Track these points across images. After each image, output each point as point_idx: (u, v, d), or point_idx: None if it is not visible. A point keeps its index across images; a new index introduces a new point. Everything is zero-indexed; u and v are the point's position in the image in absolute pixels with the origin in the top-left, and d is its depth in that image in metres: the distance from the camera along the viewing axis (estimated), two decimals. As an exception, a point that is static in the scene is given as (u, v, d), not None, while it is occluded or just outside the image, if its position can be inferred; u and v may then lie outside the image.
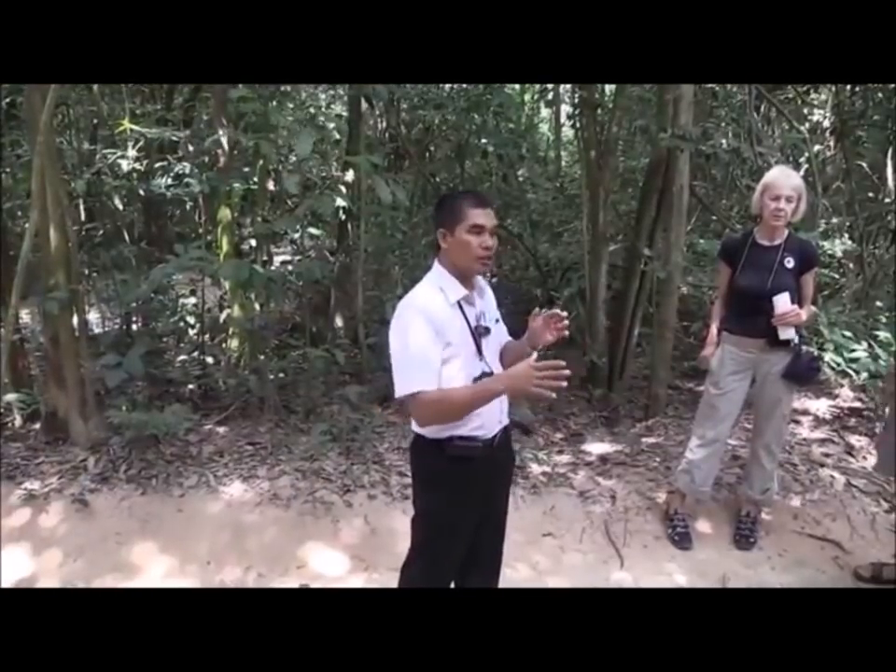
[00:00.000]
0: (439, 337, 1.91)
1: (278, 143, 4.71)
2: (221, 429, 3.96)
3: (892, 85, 5.43)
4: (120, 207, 5.09)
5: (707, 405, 3.21)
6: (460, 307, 2.00)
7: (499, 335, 2.17)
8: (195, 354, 4.58)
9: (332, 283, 5.03)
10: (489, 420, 2.05)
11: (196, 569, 3.04)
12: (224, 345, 4.55)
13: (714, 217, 5.80)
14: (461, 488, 2.04)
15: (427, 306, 1.94)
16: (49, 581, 2.95)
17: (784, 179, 2.96)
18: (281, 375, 4.42)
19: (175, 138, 4.75)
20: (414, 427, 2.05)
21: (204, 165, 4.77)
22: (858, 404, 4.39)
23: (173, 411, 3.65)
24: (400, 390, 1.91)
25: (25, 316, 4.76)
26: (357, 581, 3.00)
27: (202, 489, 3.43)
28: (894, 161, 5.96)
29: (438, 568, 2.14)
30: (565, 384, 1.72)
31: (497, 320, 2.17)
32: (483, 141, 5.99)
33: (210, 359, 4.54)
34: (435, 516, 2.11)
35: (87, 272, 4.74)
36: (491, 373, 2.01)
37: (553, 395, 1.74)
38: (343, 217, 4.97)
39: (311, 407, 4.15)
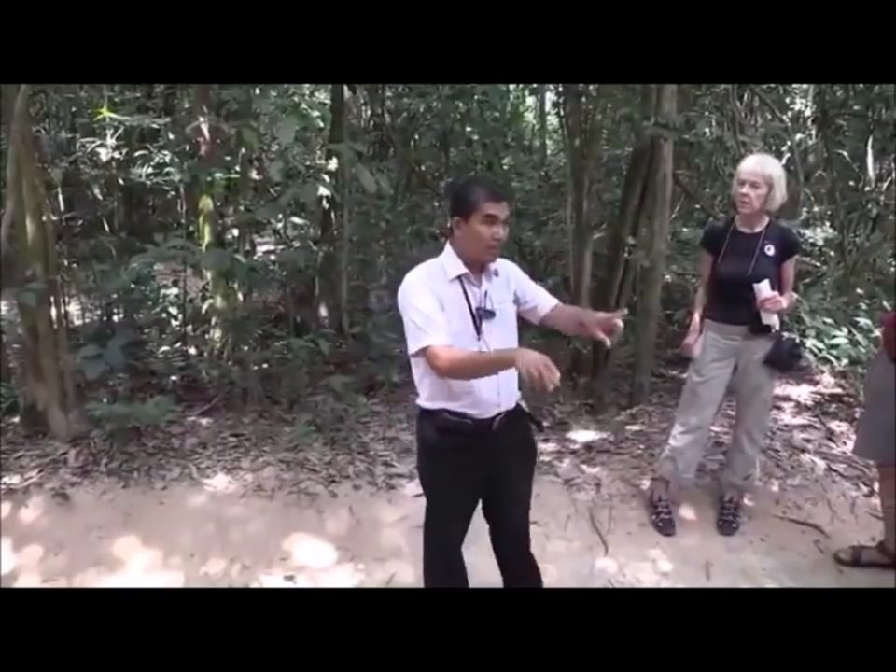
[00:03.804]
0: (440, 305, 2.03)
1: (261, 131, 4.66)
2: (204, 421, 3.92)
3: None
4: (100, 197, 5.01)
5: (689, 392, 3.21)
6: (462, 286, 2.09)
7: (509, 319, 2.18)
8: (177, 345, 4.53)
9: (316, 272, 4.98)
10: (484, 400, 2.11)
11: (179, 562, 3.00)
12: (207, 336, 4.50)
13: (698, 206, 5.80)
14: (447, 459, 2.16)
15: (425, 278, 2.08)
16: (29, 576, 2.90)
17: (752, 166, 2.95)
18: (265, 366, 4.38)
19: (155, 126, 4.68)
20: (418, 399, 2.20)
21: (186, 154, 4.70)
22: (838, 390, 4.42)
23: (155, 402, 3.60)
24: (412, 347, 2.03)
25: (3, 308, 4.67)
26: (343, 572, 2.98)
27: (184, 481, 3.39)
28: (874, 150, 6.00)
29: (438, 528, 2.31)
30: (551, 387, 1.75)
31: (517, 301, 2.20)
32: (468, 129, 5.96)
33: (193, 350, 4.49)
34: (426, 482, 2.31)
35: (66, 262, 4.67)
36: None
37: (549, 388, 1.75)
38: (327, 206, 4.92)
39: (295, 397, 4.12)
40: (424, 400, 2.17)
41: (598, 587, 2.92)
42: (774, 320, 2.99)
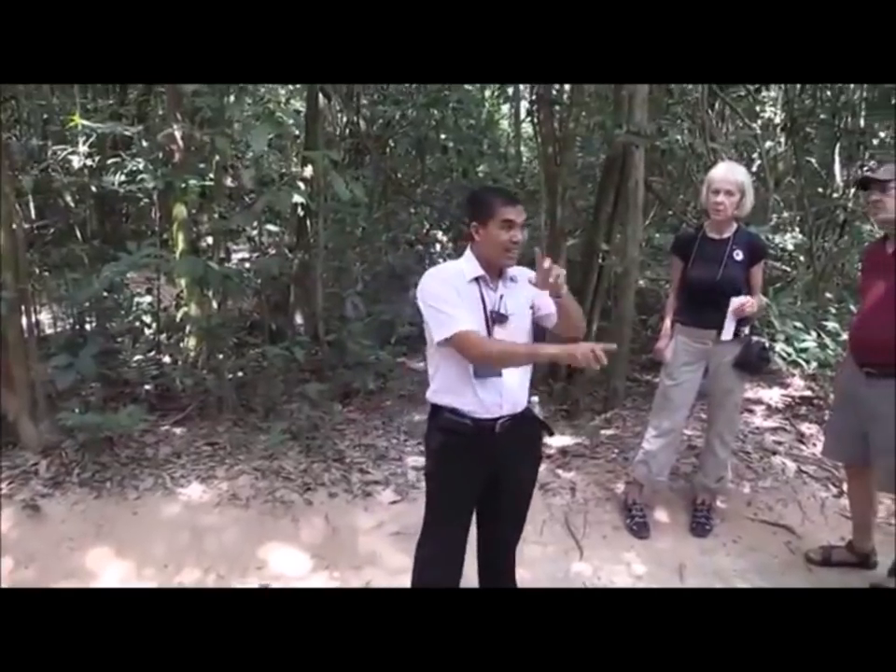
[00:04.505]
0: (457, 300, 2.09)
1: (235, 138, 4.64)
2: (178, 430, 3.89)
3: (839, 84, 5.58)
4: (72, 204, 4.95)
5: (661, 396, 3.26)
6: (479, 288, 2.14)
7: (522, 325, 2.21)
8: (151, 353, 4.49)
9: (291, 280, 4.97)
10: (487, 401, 2.14)
11: (153, 573, 2.97)
12: (181, 344, 4.46)
13: (671, 212, 5.88)
14: (446, 459, 2.21)
15: (443, 275, 2.17)
16: (-2, 589, 2.86)
17: (724, 174, 3.02)
18: (239, 374, 4.36)
19: (128, 133, 4.64)
20: (427, 393, 2.25)
21: (159, 161, 4.66)
22: (808, 393, 4.51)
23: (128, 412, 3.56)
24: (440, 335, 2.08)
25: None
26: (319, 581, 2.97)
27: (158, 491, 3.36)
28: (841, 157, 6.13)
29: (432, 534, 2.30)
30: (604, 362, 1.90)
31: (532, 307, 2.23)
32: (443, 137, 5.98)
33: (167, 359, 4.44)
34: (428, 478, 2.31)
35: (37, 271, 4.60)
36: None
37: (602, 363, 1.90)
38: (302, 214, 4.91)
39: (270, 406, 4.10)
40: (431, 393, 2.22)
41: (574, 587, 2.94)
42: (729, 335, 3.05)
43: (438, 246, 6.32)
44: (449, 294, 2.10)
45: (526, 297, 2.21)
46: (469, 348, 2.05)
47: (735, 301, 3.00)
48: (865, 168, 5.57)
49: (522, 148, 8.19)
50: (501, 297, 2.17)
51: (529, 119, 6.39)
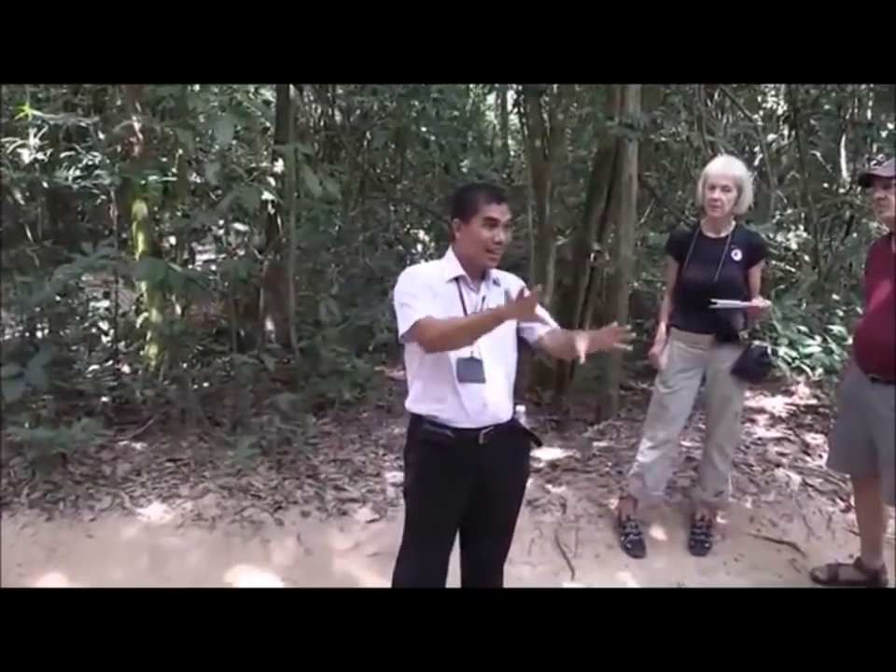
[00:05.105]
0: (432, 298, 2.13)
1: (199, 130, 4.66)
2: (138, 445, 3.88)
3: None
4: (22, 202, 4.94)
5: (656, 405, 3.30)
6: (458, 288, 2.18)
7: (506, 333, 2.21)
8: (108, 363, 4.47)
9: (261, 283, 4.98)
10: (470, 409, 2.16)
11: (110, 600, 2.97)
12: (141, 353, 4.46)
13: (666, 210, 5.95)
14: (426, 473, 2.24)
15: (422, 273, 2.23)
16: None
17: (720, 168, 3.08)
18: (205, 384, 4.36)
19: (83, 125, 4.63)
20: (406, 402, 2.28)
21: (117, 155, 4.67)
22: (813, 401, 4.58)
23: (83, 426, 3.55)
24: (403, 328, 2.11)
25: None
26: (290, 605, 2.98)
27: (116, 512, 3.35)
28: (847, 150, 6.24)
29: (410, 554, 2.31)
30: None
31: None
32: (425, 129, 6.03)
33: (126, 368, 4.44)
34: (407, 494, 2.34)
35: (-16, 274, 4.58)
36: (480, 361, 2.16)
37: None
38: (273, 212, 4.93)
39: (238, 418, 4.10)
40: (410, 402, 2.25)
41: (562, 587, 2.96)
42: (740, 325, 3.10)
43: (419, 247, 6.37)
44: (421, 292, 2.12)
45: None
46: (424, 332, 2.06)
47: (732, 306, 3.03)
48: (874, 162, 5.69)
49: (509, 141, 8.26)
50: (483, 299, 2.20)
51: (516, 110, 6.46)
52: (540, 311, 2.25)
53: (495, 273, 2.25)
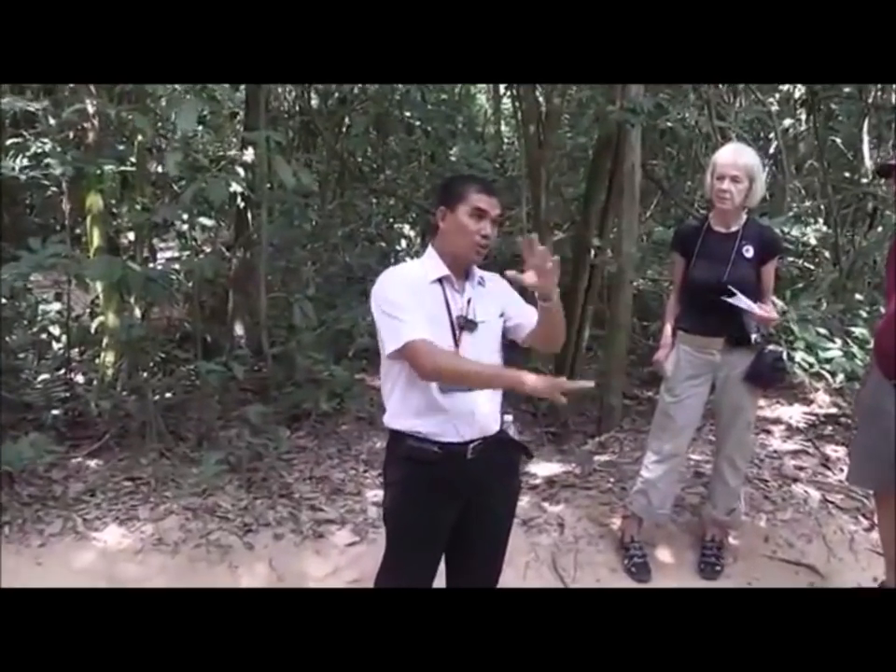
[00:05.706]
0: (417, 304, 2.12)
1: (159, 115, 4.66)
2: (93, 463, 3.87)
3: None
4: (-37, 195, 4.92)
5: (662, 415, 3.31)
6: (443, 290, 2.17)
7: (492, 335, 2.23)
8: (60, 371, 4.47)
9: (230, 283, 4.97)
10: (456, 422, 2.15)
11: (61, 633, 2.96)
12: (96, 361, 4.45)
13: (673, 202, 5.98)
14: (409, 493, 2.22)
15: (403, 275, 2.21)
16: None
17: (729, 157, 3.09)
18: (167, 395, 4.34)
19: (31, 109, 4.62)
20: (384, 417, 2.27)
21: (69, 142, 4.65)
22: (834, 410, 4.60)
23: (31, 441, 3.53)
24: (390, 346, 2.09)
25: None
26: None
27: (67, 536, 3.33)
28: (870, 136, 6.27)
29: (398, 573, 2.30)
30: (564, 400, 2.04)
31: (503, 315, 2.26)
32: (409, 114, 6.04)
33: (79, 378, 4.43)
34: (387, 516, 2.33)
35: (-78, 274, 4.56)
36: None
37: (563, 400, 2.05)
38: (242, 205, 4.93)
39: (204, 432, 4.10)
40: (389, 417, 2.23)
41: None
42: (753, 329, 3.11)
43: (403, 243, 6.38)
44: (406, 298, 2.10)
45: (497, 303, 2.25)
46: (419, 358, 2.04)
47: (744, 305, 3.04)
48: (897, 150, 5.73)
49: (502, 128, 8.28)
50: (469, 300, 2.20)
51: (509, 93, 6.48)
52: (527, 307, 2.29)
53: (479, 271, 2.26)
